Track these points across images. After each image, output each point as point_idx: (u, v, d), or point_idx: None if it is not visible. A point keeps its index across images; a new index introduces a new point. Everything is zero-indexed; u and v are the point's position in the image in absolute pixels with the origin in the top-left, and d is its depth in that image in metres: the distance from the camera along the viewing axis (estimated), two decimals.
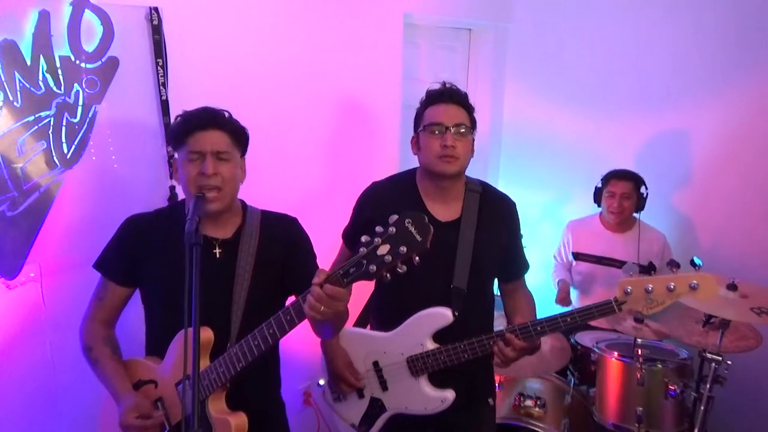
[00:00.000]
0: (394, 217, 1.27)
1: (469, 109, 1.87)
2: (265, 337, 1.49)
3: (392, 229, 1.26)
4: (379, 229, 1.28)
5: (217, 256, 1.64)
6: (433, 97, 1.85)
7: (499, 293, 2.06)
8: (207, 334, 1.56)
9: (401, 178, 1.99)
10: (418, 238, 1.25)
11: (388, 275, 1.28)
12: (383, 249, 1.26)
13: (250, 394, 1.64)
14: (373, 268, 1.27)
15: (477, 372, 1.96)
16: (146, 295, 1.72)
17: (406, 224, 1.26)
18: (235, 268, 1.64)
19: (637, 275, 1.65)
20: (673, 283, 1.59)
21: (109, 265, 1.70)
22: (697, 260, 1.62)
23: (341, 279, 1.33)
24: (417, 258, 1.27)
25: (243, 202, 1.75)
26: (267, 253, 1.68)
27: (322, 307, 1.35)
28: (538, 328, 1.71)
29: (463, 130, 1.81)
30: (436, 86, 1.88)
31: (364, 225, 1.94)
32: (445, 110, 1.82)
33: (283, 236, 1.72)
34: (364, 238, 1.29)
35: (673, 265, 1.64)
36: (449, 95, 1.84)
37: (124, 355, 1.74)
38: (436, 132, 1.80)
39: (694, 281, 1.58)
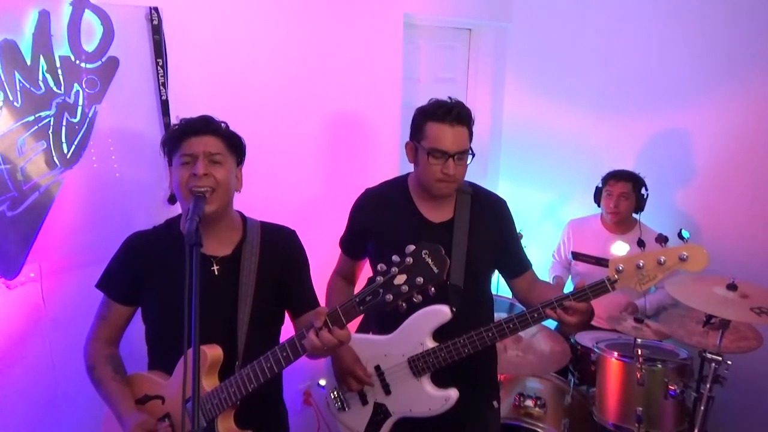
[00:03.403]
0: (411, 247, 1.29)
1: (471, 125, 1.83)
2: (278, 360, 1.48)
3: (409, 260, 1.28)
4: (396, 258, 1.30)
5: (216, 273, 1.63)
6: (439, 115, 1.77)
7: (516, 297, 2.06)
8: (216, 351, 1.55)
9: (394, 184, 2.00)
10: (435, 270, 1.27)
11: (403, 305, 1.31)
12: (400, 279, 1.29)
13: (255, 407, 1.63)
14: (389, 297, 1.29)
15: (481, 376, 1.97)
16: (148, 313, 1.71)
17: (423, 255, 1.28)
18: (238, 285, 1.62)
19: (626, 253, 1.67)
20: (663, 257, 1.62)
21: (112, 286, 1.70)
22: (684, 233, 1.64)
23: (357, 306, 1.35)
24: (433, 289, 1.29)
25: (242, 215, 1.73)
26: (268, 267, 1.67)
27: (325, 348, 1.40)
28: (534, 315, 1.72)
29: (464, 156, 1.80)
30: (442, 100, 1.81)
31: (360, 232, 1.96)
32: (450, 135, 1.77)
33: (282, 250, 1.72)
34: (380, 267, 1.31)
35: (662, 239, 1.66)
36: (457, 117, 1.77)
37: (128, 369, 1.74)
38: (439, 157, 1.77)
39: (684, 253, 1.61)
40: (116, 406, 1.63)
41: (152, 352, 1.75)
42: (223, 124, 1.61)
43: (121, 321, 1.73)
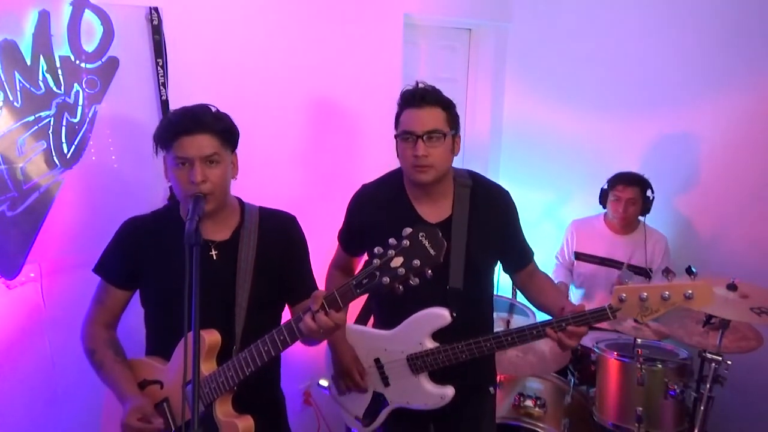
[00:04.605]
0: (408, 230, 1.29)
1: (447, 107, 1.79)
2: (275, 343, 1.49)
3: (406, 242, 1.28)
4: (392, 241, 1.29)
5: (214, 258, 1.63)
6: (406, 100, 1.78)
7: (515, 286, 2.06)
8: (214, 337, 1.56)
9: (390, 179, 1.98)
10: (432, 252, 1.27)
11: (400, 287, 1.30)
12: (397, 261, 1.29)
13: (253, 392, 1.64)
14: (386, 280, 1.29)
15: (478, 362, 1.96)
16: (146, 297, 1.72)
17: (420, 238, 1.28)
18: (235, 270, 1.63)
19: (633, 282, 1.65)
20: (667, 292, 1.59)
21: (109, 269, 1.70)
22: (692, 269, 1.61)
23: (354, 289, 1.35)
24: (430, 271, 1.29)
25: (240, 201, 1.73)
26: (266, 253, 1.67)
27: (322, 331, 1.39)
28: (532, 332, 1.73)
29: (436, 136, 1.74)
30: (410, 86, 1.80)
31: (358, 227, 1.96)
32: (416, 116, 1.74)
33: (281, 236, 1.71)
34: (377, 250, 1.30)
35: (669, 272, 1.63)
36: (421, 97, 1.75)
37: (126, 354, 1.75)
38: (408, 140, 1.75)
39: (689, 291, 1.57)
40: (119, 388, 1.64)
41: (150, 336, 1.75)
42: (213, 109, 1.57)
43: (118, 305, 1.73)
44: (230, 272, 1.63)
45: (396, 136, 1.83)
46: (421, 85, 1.79)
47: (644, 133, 3.27)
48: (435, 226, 1.30)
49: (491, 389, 2.04)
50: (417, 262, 1.27)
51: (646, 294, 1.60)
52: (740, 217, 2.96)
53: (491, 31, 3.66)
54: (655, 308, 1.61)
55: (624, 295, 1.62)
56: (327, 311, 1.39)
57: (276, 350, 1.49)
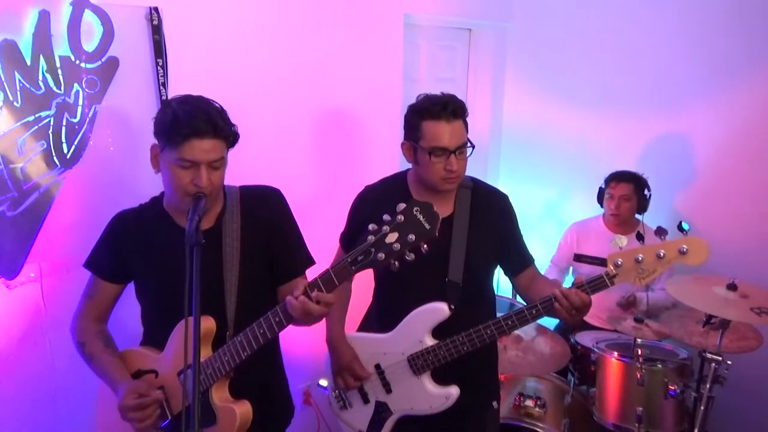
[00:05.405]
0: (402, 205, 1.28)
1: (466, 117, 1.81)
2: (271, 326, 1.48)
3: (400, 217, 1.27)
4: (387, 217, 1.28)
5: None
6: (434, 112, 1.75)
7: (518, 293, 2.05)
8: (209, 323, 1.56)
9: (393, 180, 1.99)
10: (427, 226, 1.27)
11: (396, 263, 1.29)
12: (391, 237, 1.27)
13: (252, 379, 1.63)
14: (381, 255, 1.28)
15: (482, 376, 1.97)
16: (140, 289, 1.72)
17: (414, 212, 1.27)
18: (222, 255, 1.62)
19: (625, 247, 1.64)
20: (662, 250, 1.57)
21: (99, 264, 1.71)
22: (684, 225, 1.61)
23: (349, 267, 1.33)
24: (425, 246, 1.28)
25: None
26: (250, 233, 1.65)
27: (315, 313, 1.39)
28: (534, 311, 1.72)
29: (464, 149, 1.79)
30: (434, 95, 1.79)
31: (361, 227, 1.95)
32: (448, 131, 1.74)
33: (263, 213, 1.69)
34: (371, 227, 1.29)
35: (661, 232, 1.62)
36: (452, 112, 1.74)
37: (118, 347, 1.75)
38: (441, 155, 1.75)
39: (684, 246, 1.57)
40: (111, 377, 1.64)
41: (147, 332, 1.75)
42: (216, 105, 1.56)
43: (108, 299, 1.73)
44: (217, 259, 1.62)
45: (418, 147, 1.79)
46: (446, 95, 1.78)
47: (644, 132, 3.27)
48: (429, 202, 1.29)
49: (494, 404, 2.03)
50: (412, 236, 1.26)
51: (641, 256, 1.58)
52: (741, 217, 2.96)
53: (491, 31, 3.66)
54: (652, 269, 1.59)
55: (619, 260, 1.60)
56: (322, 290, 1.38)
57: (272, 332, 1.49)
